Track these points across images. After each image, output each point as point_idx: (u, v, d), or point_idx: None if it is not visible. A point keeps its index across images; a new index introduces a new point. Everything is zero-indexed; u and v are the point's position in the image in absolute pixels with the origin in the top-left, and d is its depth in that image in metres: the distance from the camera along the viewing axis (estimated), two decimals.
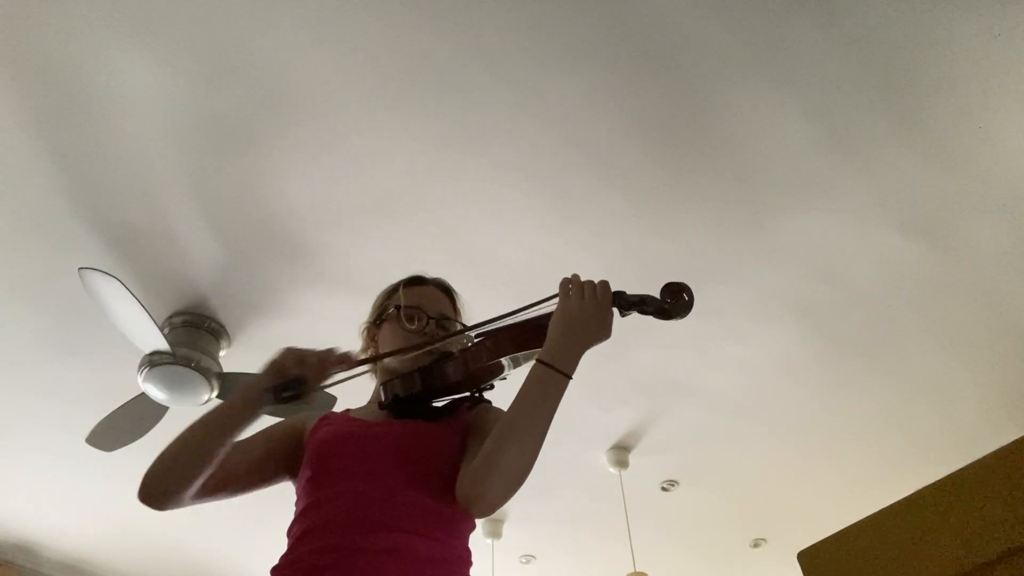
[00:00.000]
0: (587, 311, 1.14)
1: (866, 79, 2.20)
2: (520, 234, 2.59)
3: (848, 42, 2.11)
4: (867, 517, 0.80)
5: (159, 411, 2.88)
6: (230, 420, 1.17)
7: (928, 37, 2.09)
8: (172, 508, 1.15)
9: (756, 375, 3.18)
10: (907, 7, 2.03)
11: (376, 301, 1.45)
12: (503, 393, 1.32)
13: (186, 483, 1.14)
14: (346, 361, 1.21)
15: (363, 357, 1.30)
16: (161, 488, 1.14)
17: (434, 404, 1.30)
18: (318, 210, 2.51)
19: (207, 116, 2.25)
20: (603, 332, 1.15)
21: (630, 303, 1.18)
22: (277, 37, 2.07)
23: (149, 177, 2.39)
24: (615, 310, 1.18)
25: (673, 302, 1.16)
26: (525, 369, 1.19)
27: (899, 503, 0.78)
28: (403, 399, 1.25)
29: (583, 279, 1.19)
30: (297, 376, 1.15)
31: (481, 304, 1.26)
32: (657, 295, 1.17)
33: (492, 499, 1.09)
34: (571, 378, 1.11)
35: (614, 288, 1.19)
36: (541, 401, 1.10)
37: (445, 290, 1.44)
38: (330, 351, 1.19)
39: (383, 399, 1.28)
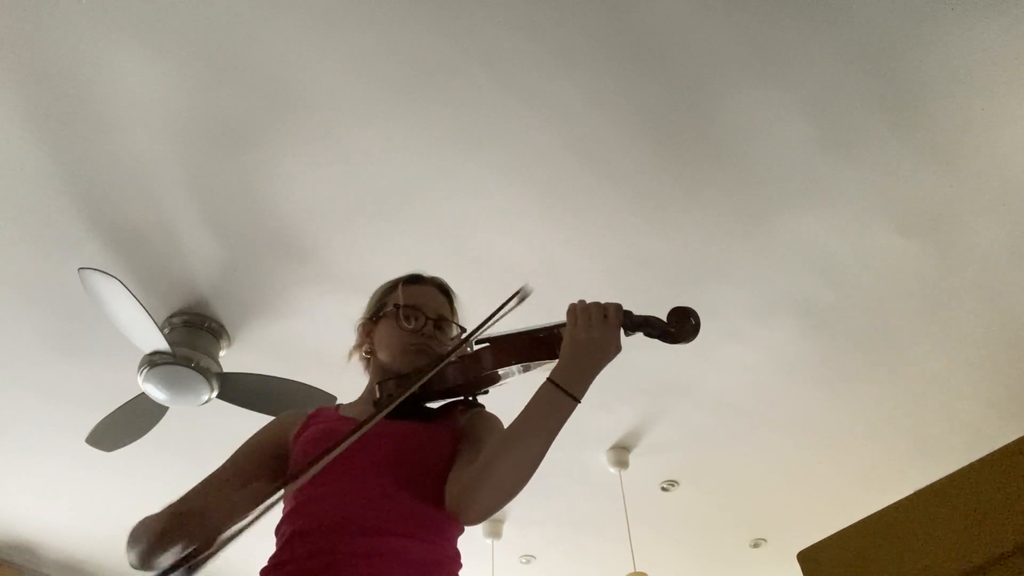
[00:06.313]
0: (594, 338, 1.11)
1: (866, 79, 2.20)
2: (520, 234, 2.59)
3: (848, 42, 2.11)
4: (867, 517, 0.80)
5: (159, 411, 2.88)
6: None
7: (928, 37, 2.09)
8: None
9: (756, 375, 3.18)
10: (907, 7, 2.03)
11: (373, 297, 1.42)
12: (500, 397, 1.32)
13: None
14: None
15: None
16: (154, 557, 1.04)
17: (427, 406, 1.30)
18: (318, 210, 2.51)
19: (207, 116, 2.25)
20: (613, 353, 1.12)
21: (635, 324, 1.16)
22: (277, 38, 2.07)
23: (149, 177, 2.39)
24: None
25: (679, 327, 1.14)
26: (524, 374, 1.19)
27: (899, 503, 0.78)
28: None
29: (589, 300, 1.16)
30: None
31: (481, 305, 1.25)
32: (663, 317, 1.15)
33: (481, 508, 1.09)
34: (580, 402, 1.09)
35: (618, 304, 1.16)
36: (546, 420, 1.08)
37: (444, 291, 1.42)
38: None
39: (377, 398, 1.27)
